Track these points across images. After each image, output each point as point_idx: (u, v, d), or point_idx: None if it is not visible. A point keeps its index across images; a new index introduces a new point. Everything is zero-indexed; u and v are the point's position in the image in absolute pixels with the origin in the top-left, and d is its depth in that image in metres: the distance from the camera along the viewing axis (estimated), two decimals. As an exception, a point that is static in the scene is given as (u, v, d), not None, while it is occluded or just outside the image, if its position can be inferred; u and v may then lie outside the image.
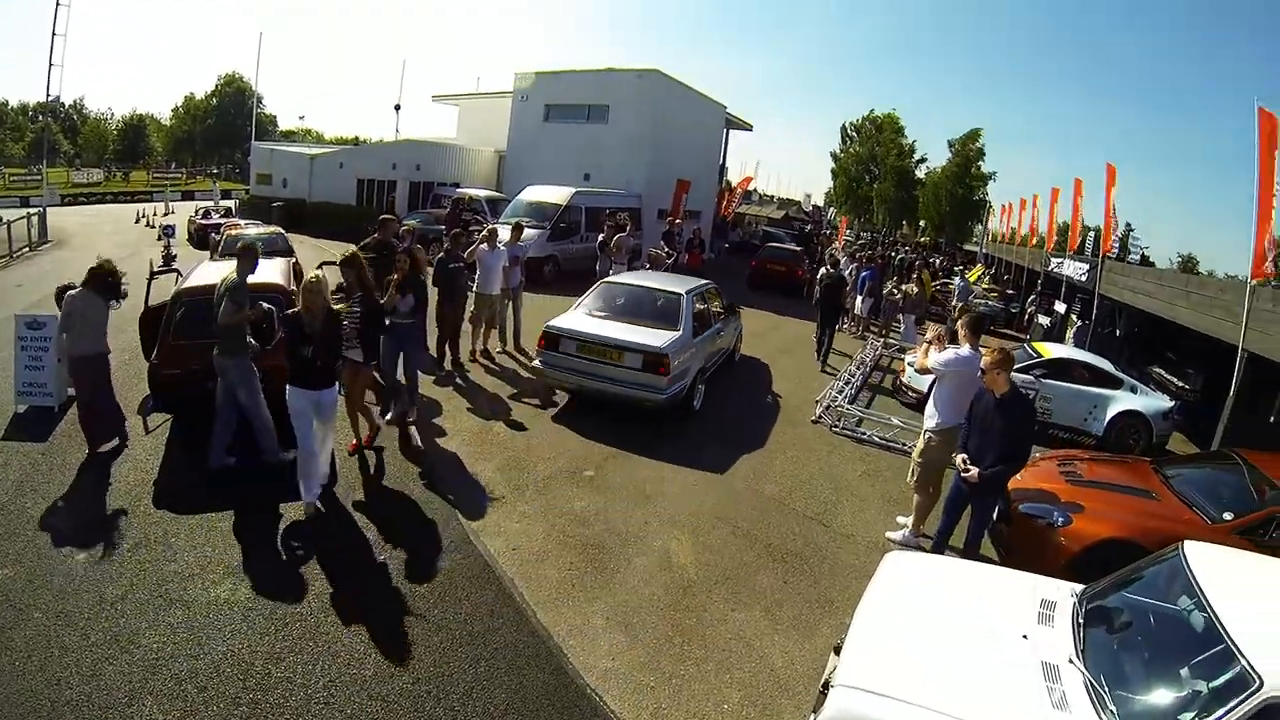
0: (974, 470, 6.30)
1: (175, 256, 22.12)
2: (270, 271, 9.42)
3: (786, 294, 23.66)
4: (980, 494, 6.40)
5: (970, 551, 6.57)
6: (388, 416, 8.84)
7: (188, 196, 55.77)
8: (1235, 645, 3.64)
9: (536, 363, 10.27)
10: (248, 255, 7.71)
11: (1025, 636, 4.33)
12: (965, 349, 7.30)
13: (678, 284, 11.35)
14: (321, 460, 6.91)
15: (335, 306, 6.86)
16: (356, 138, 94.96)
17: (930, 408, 7.51)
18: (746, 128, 42.62)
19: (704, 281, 12.43)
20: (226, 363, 7.23)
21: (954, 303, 22.70)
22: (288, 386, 6.62)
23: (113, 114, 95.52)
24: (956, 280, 22.52)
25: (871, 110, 66.73)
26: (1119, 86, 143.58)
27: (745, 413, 11.44)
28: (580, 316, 10.53)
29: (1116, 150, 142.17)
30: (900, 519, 7.93)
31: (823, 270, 16.96)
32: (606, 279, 12.19)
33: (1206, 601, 4.00)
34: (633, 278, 12.23)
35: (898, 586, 4.94)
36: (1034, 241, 31.37)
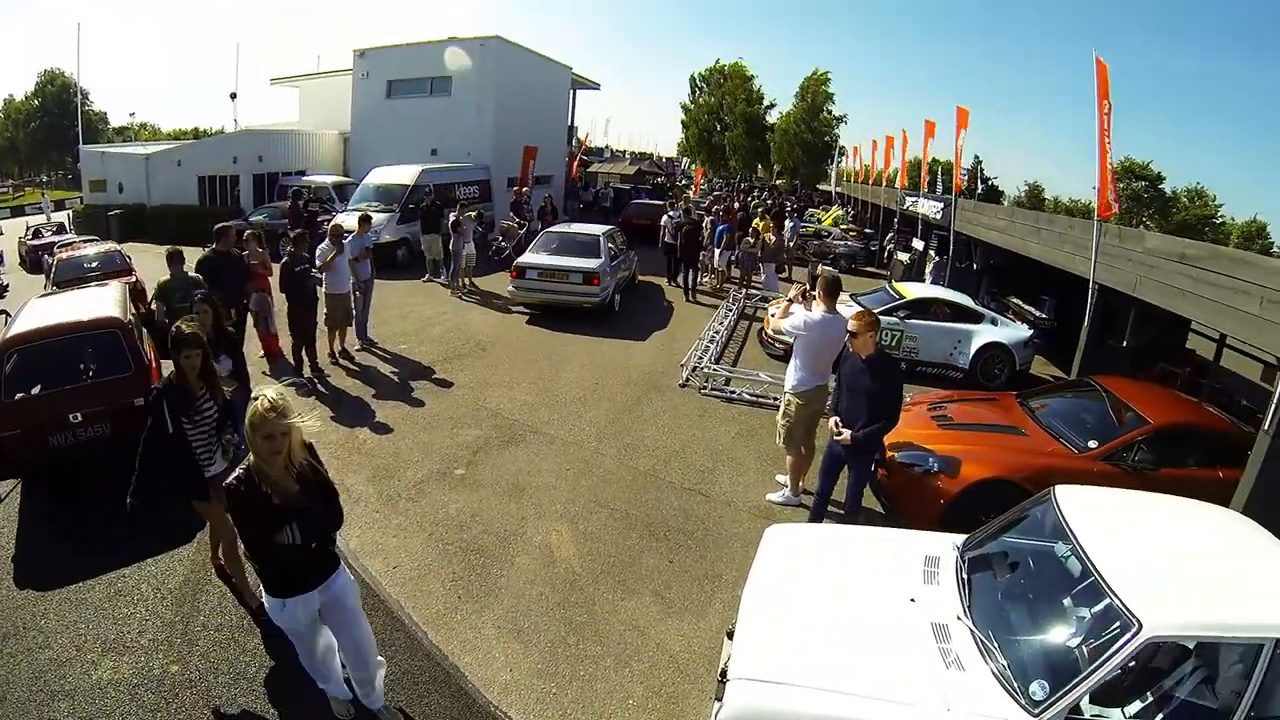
0: (846, 433, 6.21)
1: (7, 286, 20.34)
2: (101, 303, 8.48)
3: (651, 243, 22.97)
4: (856, 454, 6.33)
5: (852, 513, 6.53)
6: None
7: (18, 212, 50.54)
8: (1112, 590, 3.68)
9: (510, 288, 14.94)
10: (176, 257, 9.39)
11: (913, 599, 4.30)
12: (818, 312, 7.15)
13: (595, 229, 16.44)
14: (367, 650, 4.41)
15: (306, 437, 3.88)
16: (196, 129, 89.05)
17: (790, 369, 7.40)
18: (593, 86, 42.11)
19: (610, 227, 17.59)
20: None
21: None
22: (269, 603, 4.04)
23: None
24: (787, 222, 22.70)
25: (718, 60, 66.83)
26: (963, 29, 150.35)
27: (646, 310, 16.41)
28: (535, 255, 15.27)
29: (964, 87, 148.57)
30: (780, 478, 7.88)
31: (666, 217, 20.31)
32: (548, 229, 17.07)
33: (1081, 547, 4.04)
34: (564, 227, 17.51)
35: (781, 563, 4.83)
36: (886, 180, 32.15)
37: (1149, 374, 11.15)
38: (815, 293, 7.39)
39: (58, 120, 78.50)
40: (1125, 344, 10.94)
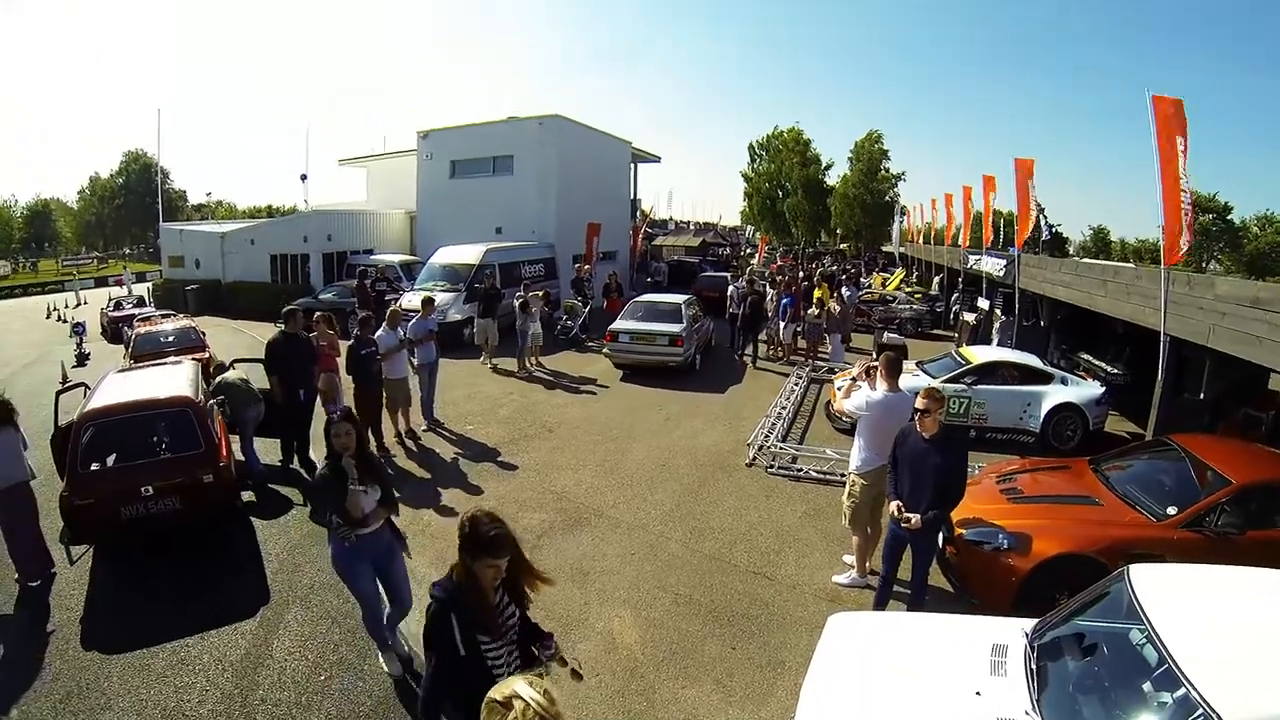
0: (915, 518, 6.00)
1: (89, 355, 21.30)
2: (175, 381, 8.82)
3: (719, 313, 22.71)
4: (919, 535, 6.13)
5: (918, 596, 6.33)
6: None
7: (101, 283, 54.60)
8: (1189, 681, 3.49)
9: (605, 350, 17.25)
10: (222, 367, 10.70)
11: (978, 693, 4.12)
12: (880, 391, 7.05)
13: (676, 298, 18.30)
14: None
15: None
16: (269, 207, 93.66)
17: (854, 448, 7.30)
18: (654, 159, 42.41)
19: (689, 296, 19.82)
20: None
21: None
22: None
23: (16, 201, 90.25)
24: (845, 291, 22.57)
25: (776, 127, 67.16)
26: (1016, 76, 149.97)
27: (722, 369, 18.09)
28: (626, 321, 17.17)
29: (1020, 137, 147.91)
30: (846, 558, 7.71)
31: (732, 288, 21.85)
32: (635, 299, 18.74)
33: (1155, 633, 3.85)
34: (649, 297, 19.21)
35: (844, 655, 4.70)
36: (949, 239, 31.75)
37: (1231, 423, 10.67)
38: (878, 365, 7.29)
39: (140, 197, 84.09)
40: (1203, 396, 10.46)
